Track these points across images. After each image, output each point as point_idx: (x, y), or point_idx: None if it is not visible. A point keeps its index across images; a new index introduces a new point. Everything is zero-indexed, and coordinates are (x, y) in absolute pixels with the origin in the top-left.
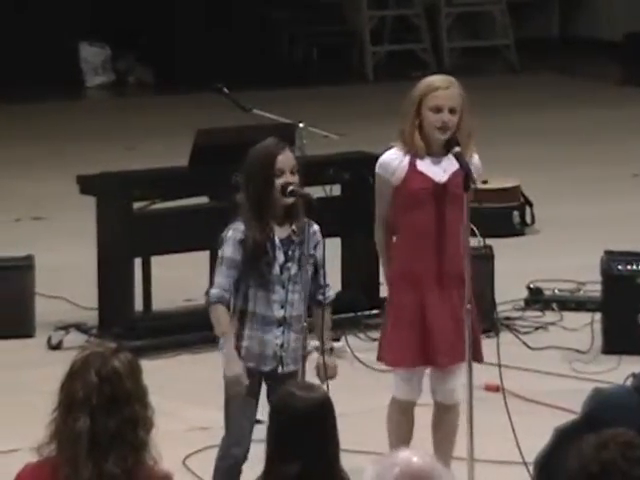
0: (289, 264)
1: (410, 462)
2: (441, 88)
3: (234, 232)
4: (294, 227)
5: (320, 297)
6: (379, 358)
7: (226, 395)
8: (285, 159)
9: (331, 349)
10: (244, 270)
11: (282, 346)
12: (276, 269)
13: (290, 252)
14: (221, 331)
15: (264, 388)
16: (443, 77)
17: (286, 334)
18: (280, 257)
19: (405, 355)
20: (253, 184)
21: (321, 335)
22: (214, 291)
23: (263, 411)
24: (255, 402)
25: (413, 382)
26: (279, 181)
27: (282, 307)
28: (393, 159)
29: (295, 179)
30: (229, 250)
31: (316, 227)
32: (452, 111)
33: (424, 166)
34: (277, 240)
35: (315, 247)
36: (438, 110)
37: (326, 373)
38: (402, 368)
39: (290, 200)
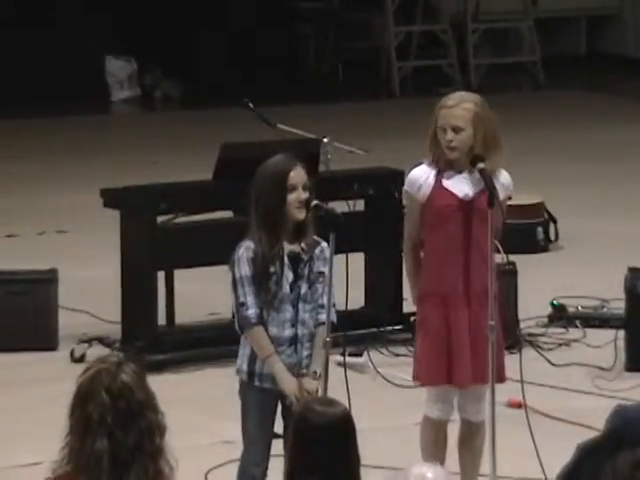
0: (299, 282)
1: (424, 477)
2: (446, 107)
3: (246, 251)
4: (303, 245)
5: (317, 317)
6: (414, 377)
7: (243, 414)
8: (297, 175)
9: (320, 376)
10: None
11: (296, 365)
12: (286, 287)
13: (300, 270)
14: (267, 353)
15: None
16: (457, 94)
17: (299, 352)
18: (289, 275)
19: (436, 373)
20: (264, 200)
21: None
22: (251, 312)
23: (278, 426)
24: (272, 421)
25: (446, 400)
26: (291, 197)
27: (293, 326)
28: (419, 176)
29: (307, 195)
30: (245, 269)
31: (324, 245)
32: (455, 130)
33: (450, 182)
34: (287, 258)
35: (324, 265)
36: (443, 129)
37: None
38: (434, 386)
39: (303, 215)
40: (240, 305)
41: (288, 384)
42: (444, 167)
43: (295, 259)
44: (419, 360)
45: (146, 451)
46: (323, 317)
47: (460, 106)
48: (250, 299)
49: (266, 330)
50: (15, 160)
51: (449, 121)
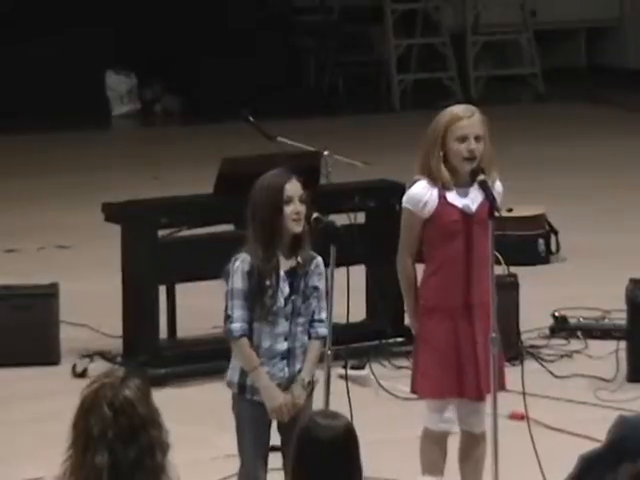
0: (294, 296)
1: None
2: (465, 117)
3: (241, 263)
4: (299, 259)
5: (311, 330)
6: (413, 390)
7: (237, 428)
8: (293, 187)
9: (309, 383)
10: (250, 302)
11: (288, 379)
12: (280, 301)
13: (295, 284)
14: (251, 367)
15: None
16: (464, 106)
17: (292, 366)
18: (285, 289)
19: (440, 386)
20: (261, 213)
21: (308, 368)
22: (235, 325)
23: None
24: (267, 435)
25: (447, 413)
26: (288, 209)
27: (286, 339)
28: (423, 193)
29: (303, 208)
30: (238, 282)
31: (319, 259)
32: (477, 139)
33: (453, 198)
34: (283, 272)
35: (318, 279)
36: (464, 139)
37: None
38: (436, 399)
39: (299, 228)
40: (226, 318)
41: (270, 400)
42: (446, 182)
43: (292, 273)
44: (425, 374)
45: (147, 467)
46: (319, 330)
47: (477, 116)
48: (236, 313)
49: (259, 343)
50: (15, 175)
51: (473, 130)
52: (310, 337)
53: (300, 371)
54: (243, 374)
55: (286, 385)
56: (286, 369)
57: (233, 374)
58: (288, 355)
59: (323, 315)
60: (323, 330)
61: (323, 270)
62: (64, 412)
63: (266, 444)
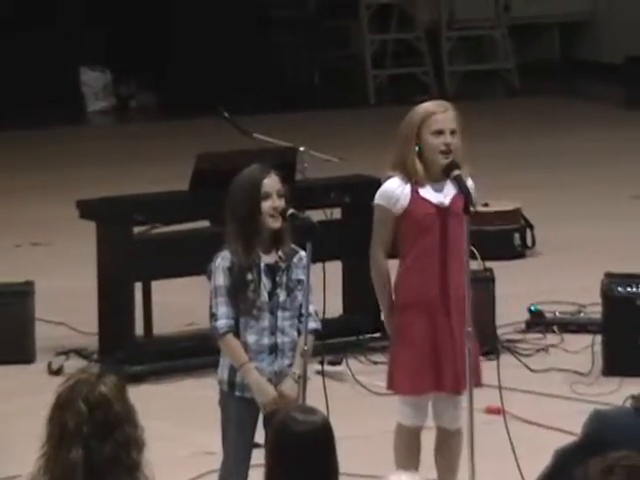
0: (277, 290)
1: None
2: (439, 112)
3: (222, 260)
4: (281, 253)
5: (300, 325)
6: (390, 387)
7: (223, 423)
8: (271, 182)
9: (299, 377)
10: (233, 298)
11: (276, 373)
12: (264, 296)
13: (277, 278)
14: (240, 363)
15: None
16: (438, 102)
17: (279, 361)
18: (267, 283)
19: (417, 382)
20: (239, 209)
21: (302, 362)
22: (221, 322)
23: (259, 436)
24: (252, 431)
25: (421, 408)
26: (265, 205)
27: (272, 334)
28: (394, 188)
29: (281, 203)
30: (221, 279)
31: (303, 253)
32: (452, 133)
33: (426, 192)
34: (263, 266)
35: (303, 273)
36: (440, 133)
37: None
38: (414, 395)
39: (278, 224)
40: (211, 316)
41: (261, 395)
42: (419, 177)
43: (272, 267)
44: (402, 370)
45: (122, 464)
46: (309, 325)
47: (451, 111)
48: (221, 310)
49: (245, 339)
50: None
51: (447, 125)
52: (299, 332)
53: (291, 366)
54: (232, 371)
55: (276, 380)
56: (274, 364)
57: (223, 371)
58: (276, 349)
59: (311, 309)
60: (312, 324)
61: (307, 264)
62: (40, 410)
63: (250, 440)
